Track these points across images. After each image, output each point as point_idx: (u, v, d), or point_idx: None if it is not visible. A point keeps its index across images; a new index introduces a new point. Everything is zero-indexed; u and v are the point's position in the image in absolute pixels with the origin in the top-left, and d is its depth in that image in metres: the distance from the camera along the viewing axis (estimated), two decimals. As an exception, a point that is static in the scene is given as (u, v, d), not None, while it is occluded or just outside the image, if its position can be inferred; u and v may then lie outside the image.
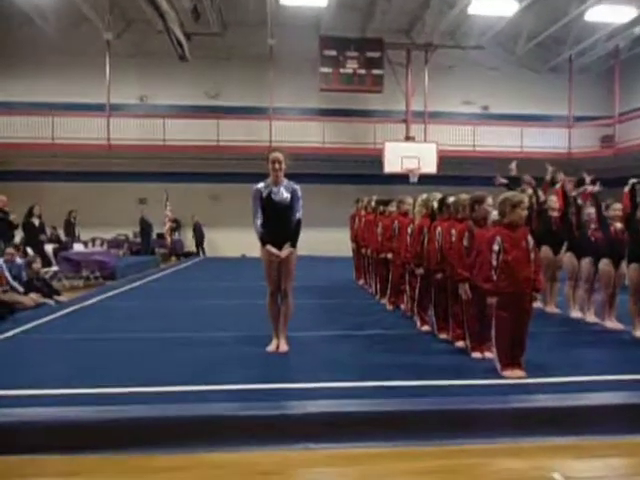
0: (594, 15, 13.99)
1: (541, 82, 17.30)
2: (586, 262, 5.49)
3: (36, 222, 9.95)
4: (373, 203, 7.58)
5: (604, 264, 5.25)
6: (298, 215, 4.29)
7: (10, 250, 7.35)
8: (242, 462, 2.73)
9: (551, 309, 6.13)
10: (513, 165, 6.85)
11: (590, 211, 5.53)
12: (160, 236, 16.29)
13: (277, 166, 4.22)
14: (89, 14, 14.30)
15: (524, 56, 16.93)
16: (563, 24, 14.60)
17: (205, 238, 16.92)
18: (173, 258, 15.85)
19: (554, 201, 6.02)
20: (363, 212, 8.30)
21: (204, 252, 16.90)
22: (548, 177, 6.40)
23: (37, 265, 7.52)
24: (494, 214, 4.16)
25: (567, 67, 17.01)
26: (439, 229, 4.58)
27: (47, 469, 2.70)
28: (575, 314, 5.78)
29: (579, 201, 5.79)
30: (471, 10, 14.08)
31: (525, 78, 17.36)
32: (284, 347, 4.31)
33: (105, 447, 2.78)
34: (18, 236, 9.91)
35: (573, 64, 16.87)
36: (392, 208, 6.50)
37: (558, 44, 16.51)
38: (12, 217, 8.74)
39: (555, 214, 5.97)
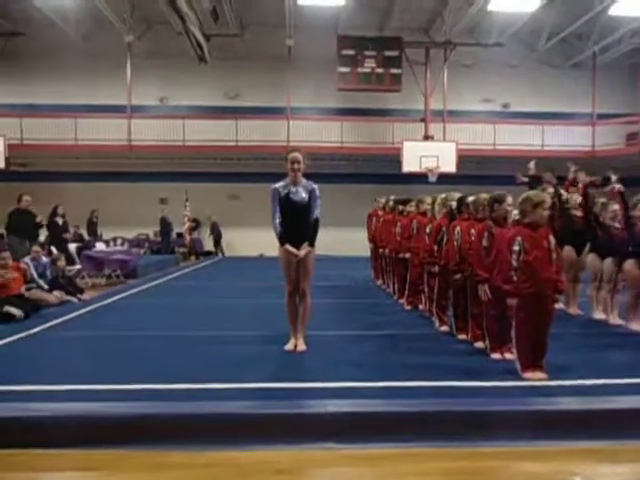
0: (619, 9, 13.67)
1: (563, 79, 16.98)
2: (609, 262, 5.38)
3: (60, 221, 10.17)
4: (391, 203, 7.55)
5: (629, 265, 5.13)
6: (316, 214, 4.30)
7: (36, 248, 7.53)
8: (259, 460, 2.75)
9: (573, 310, 6.02)
10: (532, 164, 6.75)
11: (614, 208, 5.42)
12: (180, 235, 16.51)
13: (296, 166, 4.24)
14: (110, 17, 14.55)
15: (545, 52, 16.62)
16: (587, 19, 14.30)
17: (223, 238, 17.06)
18: (192, 257, 16.03)
19: (577, 200, 5.91)
20: (380, 212, 8.26)
21: (223, 252, 17.04)
22: (571, 176, 6.29)
23: (62, 263, 7.68)
24: (514, 213, 4.11)
25: (590, 63, 16.65)
26: (458, 229, 4.54)
27: (65, 463, 2.74)
28: (598, 315, 5.66)
29: (598, 200, 5.66)
30: (491, 7, 13.91)
31: (546, 75, 17.05)
32: (302, 346, 4.32)
33: (123, 443, 2.82)
34: (43, 235, 10.15)
35: (597, 60, 16.50)
36: (411, 208, 6.47)
37: (581, 40, 16.17)
38: (39, 219, 8.93)
39: (578, 213, 5.86)
